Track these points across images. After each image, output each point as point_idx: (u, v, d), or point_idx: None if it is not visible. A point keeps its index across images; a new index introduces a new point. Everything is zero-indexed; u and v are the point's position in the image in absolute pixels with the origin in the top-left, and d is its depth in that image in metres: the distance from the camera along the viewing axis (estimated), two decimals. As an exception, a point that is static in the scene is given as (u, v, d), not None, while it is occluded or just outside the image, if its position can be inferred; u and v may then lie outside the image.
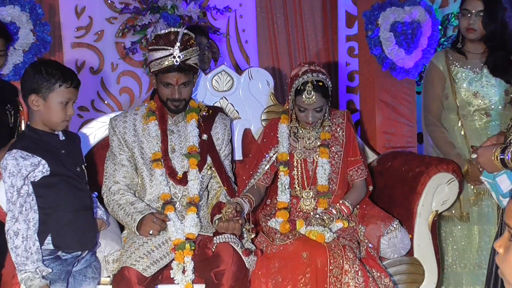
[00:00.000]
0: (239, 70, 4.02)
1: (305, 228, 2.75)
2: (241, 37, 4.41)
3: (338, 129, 2.96)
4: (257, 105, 3.35)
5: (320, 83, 2.79)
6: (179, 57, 2.68)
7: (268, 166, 2.94)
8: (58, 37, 4.05)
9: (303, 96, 2.78)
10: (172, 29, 2.72)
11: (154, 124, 2.83)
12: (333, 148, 2.93)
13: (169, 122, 2.87)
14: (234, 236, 2.63)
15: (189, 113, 2.87)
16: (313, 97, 2.78)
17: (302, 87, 2.78)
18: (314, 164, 2.92)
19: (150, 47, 2.74)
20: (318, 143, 2.93)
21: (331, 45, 4.42)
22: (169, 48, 2.68)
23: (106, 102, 4.24)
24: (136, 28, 4.14)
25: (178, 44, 2.67)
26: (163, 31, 2.73)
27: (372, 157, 3.38)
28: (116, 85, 4.25)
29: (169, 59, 2.68)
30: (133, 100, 4.26)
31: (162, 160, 2.78)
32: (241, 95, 3.34)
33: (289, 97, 2.87)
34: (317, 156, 2.92)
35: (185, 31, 2.72)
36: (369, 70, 3.78)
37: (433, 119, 3.22)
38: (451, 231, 3.21)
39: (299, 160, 2.94)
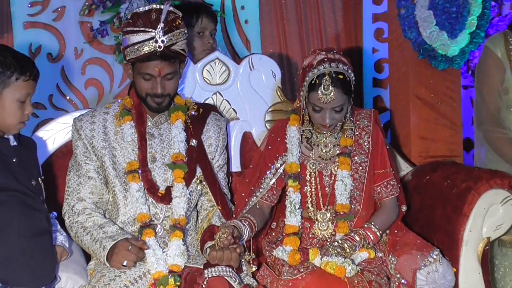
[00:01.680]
0: (236, 58, 4.03)
1: (321, 259, 2.77)
2: (239, 15, 4.41)
3: (362, 134, 2.99)
4: (260, 103, 3.38)
5: (340, 76, 2.82)
6: (162, 41, 2.71)
7: (273, 180, 2.98)
8: (6, 15, 4.05)
9: (319, 92, 2.81)
10: (154, 6, 2.75)
11: (129, 125, 2.86)
12: (356, 157, 2.96)
13: (149, 124, 2.90)
14: (231, 269, 2.64)
15: (174, 112, 2.90)
16: (332, 93, 2.81)
17: (317, 81, 2.82)
18: (332, 178, 2.95)
19: (125, 29, 2.77)
20: (337, 152, 2.97)
21: (353, 27, 4.42)
22: (149, 30, 2.71)
23: (68, 97, 4.26)
24: (106, 4, 4.15)
25: (161, 24, 2.71)
26: (141, 8, 2.77)
27: (405, 169, 3.41)
28: (81, 76, 4.25)
29: (150, 44, 2.71)
30: (103, 96, 4.27)
31: (139, 171, 2.81)
32: (239, 89, 3.37)
33: (301, 93, 2.90)
34: (335, 168, 2.95)
35: (170, 8, 2.75)
36: (402, 58, 3.79)
37: (489, 116, 3.24)
38: (510, 264, 3.22)
39: (313, 173, 2.97)
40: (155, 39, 2.71)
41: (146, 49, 2.72)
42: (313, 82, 2.82)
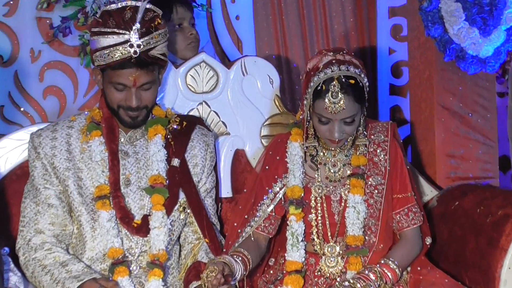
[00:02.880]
0: (226, 61, 4.05)
1: (329, 301, 2.80)
2: (229, 10, 4.42)
3: (378, 151, 3.01)
4: (255, 114, 3.41)
5: (352, 80, 2.84)
6: (138, 45, 2.74)
7: (271, 207, 2.99)
8: None
9: (326, 99, 2.83)
10: (128, 2, 2.78)
11: (98, 142, 2.88)
12: (370, 179, 2.98)
13: (122, 140, 2.92)
14: (221, 314, 2.65)
15: (152, 126, 2.92)
16: (341, 102, 2.82)
17: (324, 87, 2.84)
18: (342, 204, 2.97)
19: (93, 29, 2.80)
20: (348, 172, 2.99)
21: (366, 23, 4.45)
22: (123, 31, 2.74)
23: (22, 109, 4.25)
24: None
25: (137, 25, 2.73)
26: (113, 5, 2.79)
27: (430, 193, 3.42)
28: (39, 84, 4.24)
29: (124, 48, 2.73)
30: (65, 107, 4.26)
31: (110, 197, 2.82)
32: (230, 98, 3.40)
33: (304, 102, 2.92)
34: (346, 192, 2.97)
35: (148, 5, 2.78)
36: (425, 61, 3.80)
37: None
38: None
39: (319, 198, 2.98)
40: (129, 42, 2.73)
41: (118, 54, 2.74)
42: (319, 88, 2.84)
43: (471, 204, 3.14)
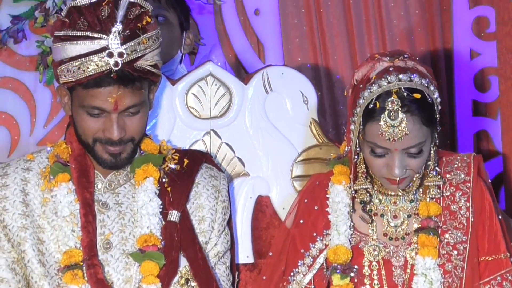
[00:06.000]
0: (242, 73, 4.12)
1: None
2: (245, 2, 4.48)
3: (457, 195, 3.05)
4: (283, 147, 3.46)
5: (417, 95, 2.89)
6: (120, 54, 2.79)
7: (309, 276, 3.03)
8: None
9: (382, 122, 2.88)
10: None
11: (66, 190, 2.93)
12: (447, 235, 3.02)
13: (99, 187, 2.99)
14: None
15: (140, 167, 2.97)
16: (403, 125, 2.87)
17: (378, 104, 2.89)
18: (408, 271, 3.01)
19: (57, 32, 2.85)
20: (415, 226, 3.04)
21: (437, 15, 4.53)
22: (99, 35, 2.79)
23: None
24: None
25: (118, 26, 2.79)
26: None
27: (534, 254, 3.46)
28: (-18, 108, 4.31)
29: (100, 58, 2.79)
30: (18, 141, 4.28)
31: (83, 266, 2.86)
32: (248, 126, 3.45)
33: (351, 127, 2.98)
34: (413, 254, 3.01)
35: None
36: None
37: None
38: None
39: (374, 263, 3.03)
40: (108, 50, 2.78)
41: (93, 67, 2.79)
42: (371, 106, 2.90)
43: None
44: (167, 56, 3.70)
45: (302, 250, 3.05)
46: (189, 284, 2.96)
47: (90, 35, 2.79)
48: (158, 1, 3.77)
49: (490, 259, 3.04)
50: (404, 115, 2.86)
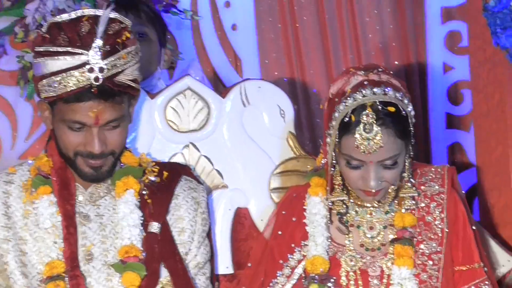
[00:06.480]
0: (220, 87, 4.14)
1: None
2: (222, 17, 4.47)
3: (431, 206, 3.08)
4: (261, 160, 3.49)
5: (391, 108, 2.92)
6: (101, 69, 2.81)
7: (288, 286, 3.05)
8: None
9: (357, 135, 2.90)
10: (85, 11, 2.85)
11: (47, 202, 2.95)
12: (422, 246, 3.05)
13: (80, 199, 3.01)
14: None
15: (120, 179, 2.99)
16: (377, 137, 2.90)
17: (353, 118, 2.92)
18: (384, 281, 3.04)
19: (38, 48, 2.87)
20: (391, 236, 3.07)
21: (411, 30, 4.56)
22: (79, 50, 2.81)
23: None
24: (1, 3, 4.24)
25: (98, 41, 2.81)
26: (65, 15, 2.86)
27: (507, 263, 3.46)
28: (-39, 124, 4.31)
29: (81, 73, 2.80)
30: (0, 153, 4.28)
31: (65, 277, 2.88)
32: (226, 138, 3.48)
33: (327, 140, 3.01)
34: (389, 264, 3.04)
35: (113, 14, 2.86)
36: (493, 80, 3.80)
37: None
38: None
39: (351, 273, 3.05)
40: (89, 65, 2.80)
41: (74, 82, 2.81)
42: (346, 119, 2.93)
43: None
44: (147, 72, 3.72)
45: (281, 261, 3.08)
46: (168, 293, 3.00)
47: (71, 50, 2.81)
48: (139, 17, 3.81)
49: (464, 268, 3.06)
50: (379, 128, 2.89)
